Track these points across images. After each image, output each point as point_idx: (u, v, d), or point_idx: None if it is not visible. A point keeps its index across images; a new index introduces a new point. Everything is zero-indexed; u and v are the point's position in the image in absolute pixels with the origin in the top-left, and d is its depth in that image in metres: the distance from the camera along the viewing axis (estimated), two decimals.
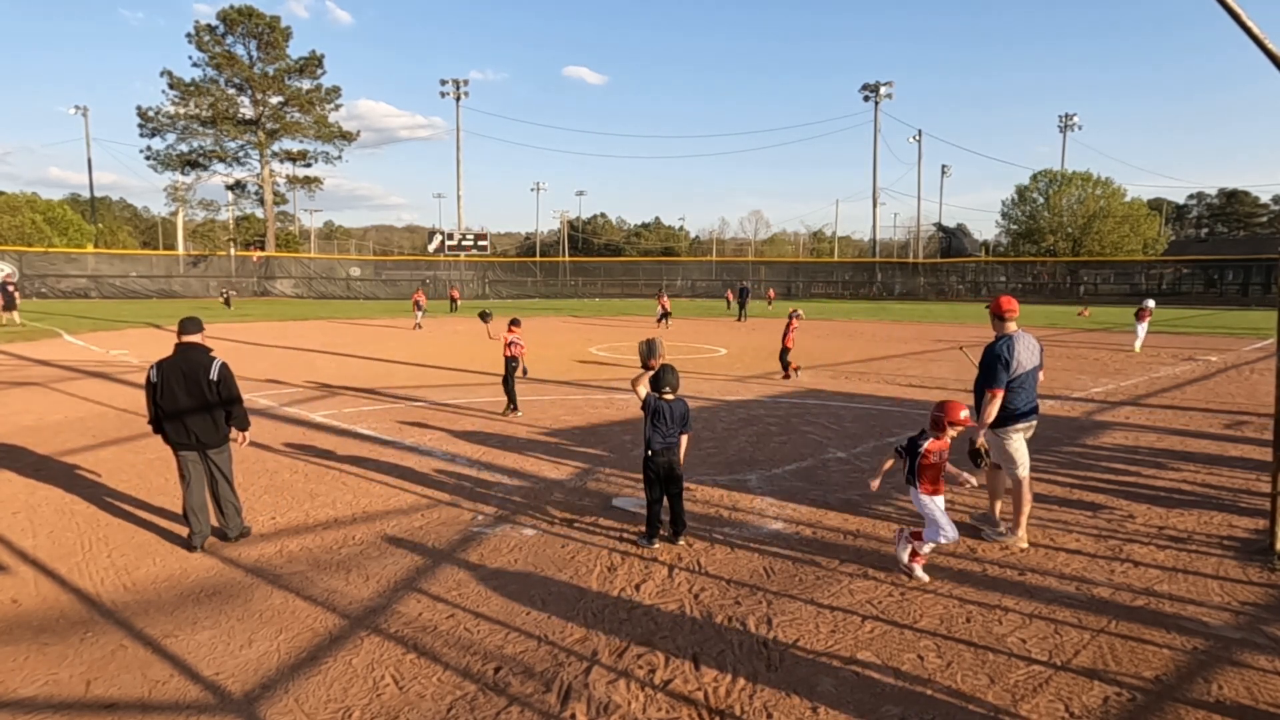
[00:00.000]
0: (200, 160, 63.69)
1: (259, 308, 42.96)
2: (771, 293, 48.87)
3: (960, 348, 12.05)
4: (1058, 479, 7.48)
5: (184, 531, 5.74)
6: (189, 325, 5.66)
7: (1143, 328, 20.14)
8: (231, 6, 60.74)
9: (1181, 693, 3.67)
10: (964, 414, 5.02)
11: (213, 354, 5.63)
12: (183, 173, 63.85)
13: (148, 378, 5.49)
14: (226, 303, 42.76)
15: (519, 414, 10.63)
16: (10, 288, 28.45)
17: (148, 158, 62.66)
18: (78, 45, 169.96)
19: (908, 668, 3.89)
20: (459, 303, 46.40)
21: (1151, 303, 21.10)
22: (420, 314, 27.15)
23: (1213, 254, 65.43)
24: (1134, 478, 7.59)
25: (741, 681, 3.77)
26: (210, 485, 5.63)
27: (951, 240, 76.40)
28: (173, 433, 5.49)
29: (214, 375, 5.48)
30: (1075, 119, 70.49)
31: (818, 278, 66.47)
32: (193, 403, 5.46)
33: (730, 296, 29.82)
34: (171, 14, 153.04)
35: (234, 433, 5.76)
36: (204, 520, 5.56)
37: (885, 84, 67.20)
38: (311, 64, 64.44)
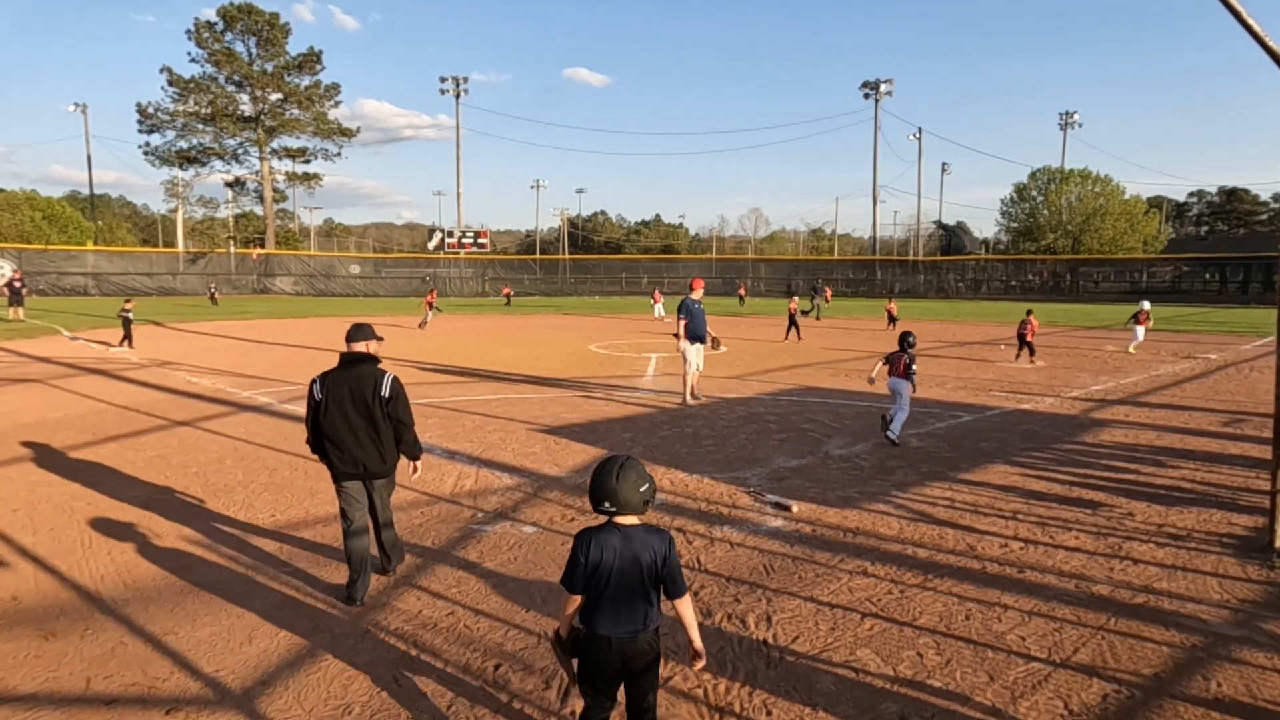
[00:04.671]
0: (199, 157, 63.67)
1: (258, 305, 42.95)
2: (743, 289, 50.07)
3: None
4: (1057, 476, 7.49)
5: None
6: (357, 333, 4.84)
7: (1141, 331, 19.26)
8: (231, 3, 60.66)
9: (1180, 690, 3.68)
10: None
11: (382, 366, 4.86)
12: (182, 169, 63.87)
13: (310, 393, 4.72)
14: (213, 299, 42.80)
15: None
16: (18, 284, 28.57)
17: (146, 153, 62.69)
18: (81, 43, 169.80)
19: (906, 665, 3.90)
20: (511, 298, 47.14)
21: (1147, 304, 19.91)
22: (430, 314, 27.33)
23: (1213, 252, 65.41)
24: (1133, 475, 7.59)
25: (741, 679, 3.77)
26: (372, 525, 4.88)
27: (951, 238, 76.38)
28: (338, 461, 4.68)
29: (385, 392, 4.69)
30: (1075, 117, 70.35)
31: (818, 275, 66.36)
32: (362, 425, 4.66)
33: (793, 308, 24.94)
34: (182, 18, 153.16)
35: (404, 462, 4.95)
36: (368, 569, 4.77)
37: (885, 81, 67.08)
38: (310, 60, 64.34)
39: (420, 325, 26.79)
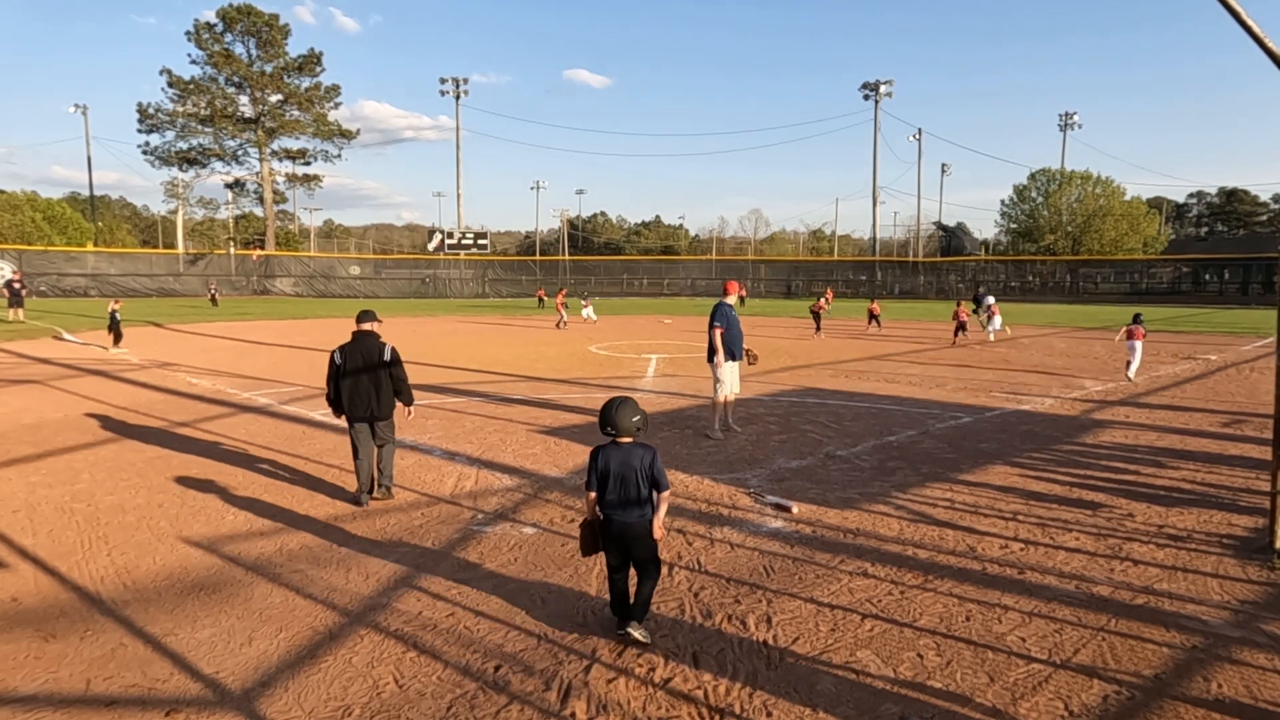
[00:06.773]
0: (199, 158, 63.74)
1: (258, 306, 42.95)
2: (743, 290, 49.86)
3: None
4: (1057, 477, 7.49)
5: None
6: (365, 316, 6.65)
7: (997, 320, 22.89)
8: (231, 4, 60.70)
9: (1180, 690, 3.67)
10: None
11: (382, 339, 6.60)
12: (181, 170, 63.96)
13: (331, 359, 6.44)
14: (214, 301, 42.85)
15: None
16: (17, 285, 28.58)
17: (146, 154, 62.77)
18: (82, 44, 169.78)
19: (907, 666, 3.90)
20: (544, 300, 47.21)
21: (991, 299, 23.32)
22: (566, 314, 27.63)
23: (1213, 253, 65.43)
24: (1133, 476, 7.59)
25: (741, 680, 3.77)
26: (376, 450, 6.55)
27: (951, 239, 76.49)
28: (350, 407, 6.39)
29: (387, 357, 6.49)
30: (1075, 117, 70.49)
31: (818, 276, 66.44)
32: (370, 381, 6.39)
33: (963, 314, 21.95)
34: (183, 19, 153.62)
35: (400, 407, 6.70)
36: (368, 481, 6.50)
37: (885, 82, 67.16)
38: (310, 62, 64.42)
39: (558, 325, 27.13)
